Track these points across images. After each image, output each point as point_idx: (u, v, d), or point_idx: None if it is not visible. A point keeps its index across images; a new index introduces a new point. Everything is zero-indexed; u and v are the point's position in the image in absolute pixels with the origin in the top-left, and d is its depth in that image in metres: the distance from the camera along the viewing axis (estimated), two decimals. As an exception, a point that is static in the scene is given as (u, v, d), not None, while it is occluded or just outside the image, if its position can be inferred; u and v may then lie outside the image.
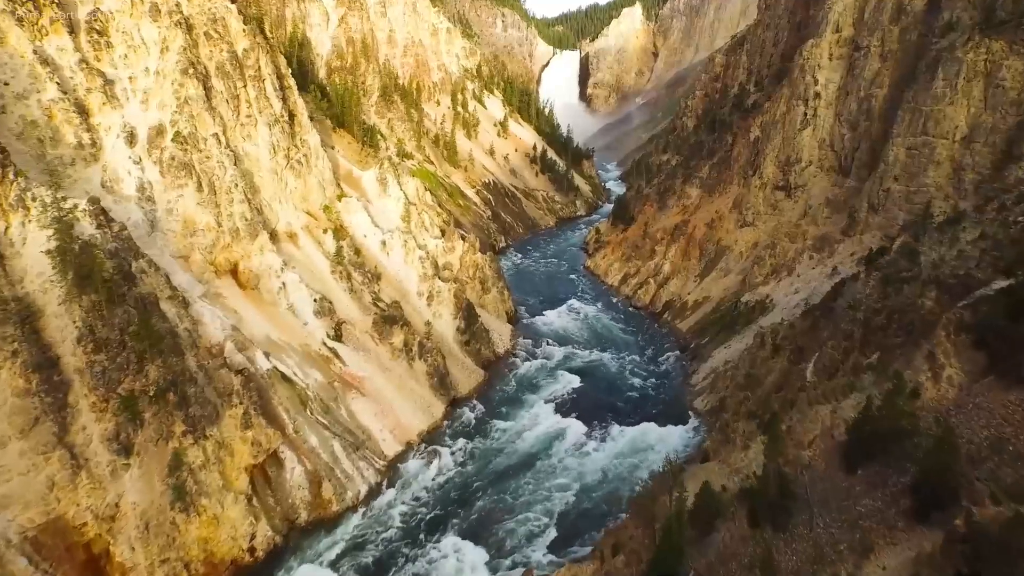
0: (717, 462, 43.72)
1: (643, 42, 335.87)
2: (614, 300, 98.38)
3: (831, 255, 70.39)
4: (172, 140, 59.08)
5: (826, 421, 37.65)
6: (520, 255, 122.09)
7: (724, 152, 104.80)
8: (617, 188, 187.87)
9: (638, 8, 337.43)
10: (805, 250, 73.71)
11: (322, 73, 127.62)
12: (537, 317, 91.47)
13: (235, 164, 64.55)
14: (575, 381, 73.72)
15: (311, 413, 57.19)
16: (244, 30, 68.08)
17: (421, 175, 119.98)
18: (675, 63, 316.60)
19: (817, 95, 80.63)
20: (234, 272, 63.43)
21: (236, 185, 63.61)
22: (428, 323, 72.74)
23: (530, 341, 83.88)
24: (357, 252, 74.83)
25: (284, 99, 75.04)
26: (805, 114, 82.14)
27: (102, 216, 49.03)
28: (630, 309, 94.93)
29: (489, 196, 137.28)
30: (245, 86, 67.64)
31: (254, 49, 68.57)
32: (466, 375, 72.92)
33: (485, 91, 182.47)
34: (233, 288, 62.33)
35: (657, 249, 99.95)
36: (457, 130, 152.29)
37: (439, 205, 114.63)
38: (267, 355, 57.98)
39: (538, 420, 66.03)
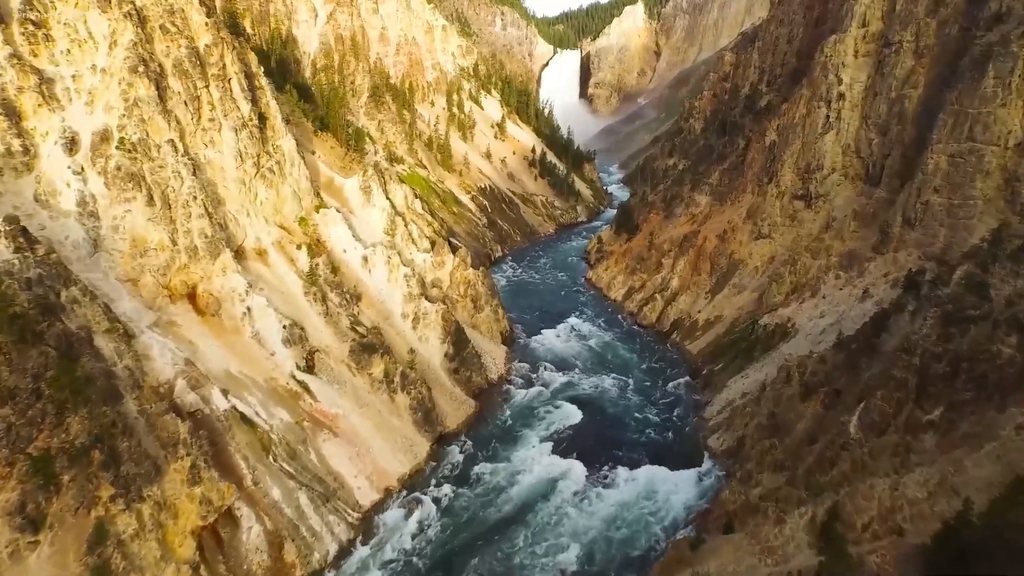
0: (745, 535, 36.58)
1: (645, 41, 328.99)
2: (618, 317, 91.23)
3: (861, 275, 63.22)
4: (118, 147, 51.98)
5: (885, 500, 30.56)
6: (517, 266, 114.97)
7: (736, 157, 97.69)
8: (619, 192, 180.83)
9: (640, 6, 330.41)
10: (830, 268, 66.56)
11: (308, 73, 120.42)
12: (534, 337, 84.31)
13: (194, 174, 57.44)
14: (575, 413, 66.62)
15: (274, 460, 50.09)
16: (207, 23, 60.95)
17: (412, 181, 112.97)
18: (678, 62, 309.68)
19: (841, 96, 73.49)
20: (192, 296, 56.33)
21: (195, 197, 56.51)
22: (412, 351, 65.64)
23: (526, 365, 76.77)
24: (334, 270, 67.68)
25: (255, 100, 67.92)
26: (827, 117, 75.00)
27: (22, 238, 41.96)
28: (635, 327, 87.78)
29: (485, 202, 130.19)
30: (207, 86, 60.51)
31: (218, 45, 61.42)
32: (455, 407, 65.83)
33: (482, 91, 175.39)
34: (190, 315, 55.22)
35: (664, 262, 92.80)
36: (452, 132, 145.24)
37: (431, 213, 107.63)
38: (225, 393, 50.87)
39: (534, 461, 58.91)
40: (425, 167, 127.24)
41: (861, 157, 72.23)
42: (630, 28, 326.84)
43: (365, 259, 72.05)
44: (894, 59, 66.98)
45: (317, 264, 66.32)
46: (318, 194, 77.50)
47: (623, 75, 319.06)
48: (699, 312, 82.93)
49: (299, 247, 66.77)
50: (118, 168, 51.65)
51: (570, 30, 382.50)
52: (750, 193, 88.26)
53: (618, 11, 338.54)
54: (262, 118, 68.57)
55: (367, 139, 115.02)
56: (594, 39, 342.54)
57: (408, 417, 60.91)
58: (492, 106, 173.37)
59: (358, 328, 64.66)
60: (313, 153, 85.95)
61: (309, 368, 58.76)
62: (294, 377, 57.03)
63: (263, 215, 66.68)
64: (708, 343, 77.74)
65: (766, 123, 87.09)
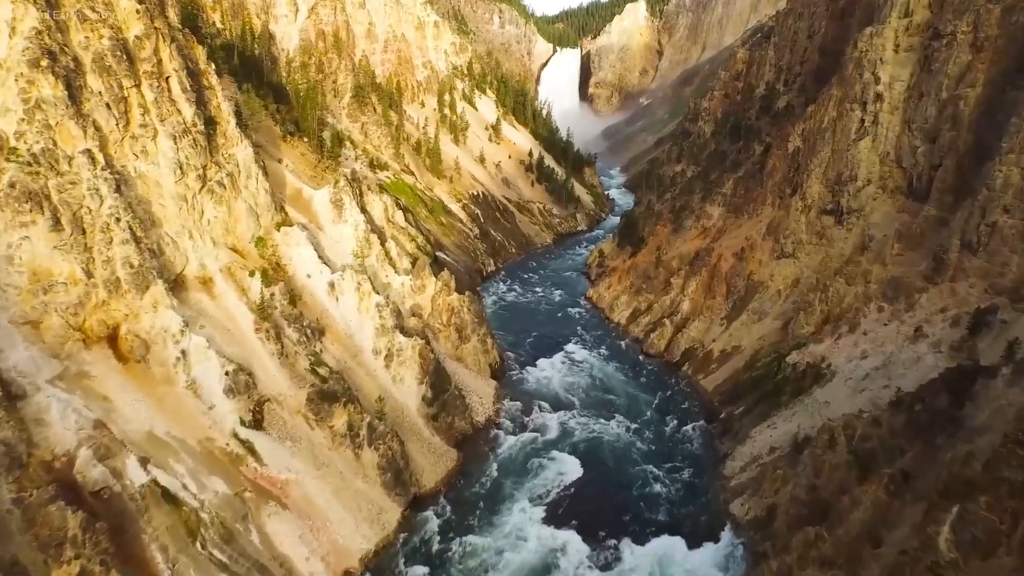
0: None
1: (647, 39, 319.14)
2: (621, 344, 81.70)
3: (910, 308, 53.76)
4: (12, 158, 42.50)
5: None
6: (511, 282, 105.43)
7: (752, 164, 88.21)
8: (621, 198, 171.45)
9: (642, 3, 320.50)
10: (871, 298, 57.09)
11: (287, 72, 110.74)
12: (528, 369, 74.79)
13: (118, 191, 47.98)
14: (573, 467, 57.21)
15: (202, 547, 40.63)
16: (138, 11, 51.38)
17: (396, 189, 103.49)
18: (681, 61, 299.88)
19: (878, 97, 64.04)
20: (113, 339, 46.87)
21: (117, 219, 47.03)
22: (381, 398, 56.06)
23: (518, 404, 67.31)
24: (294, 300, 58.17)
25: (201, 102, 58.47)
26: (862, 121, 65.56)
27: None
28: (641, 357, 78.28)
29: (477, 211, 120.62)
30: (138, 85, 50.96)
31: (151, 36, 51.89)
32: (433, 461, 56.34)
33: (476, 91, 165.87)
34: (108, 363, 45.73)
35: (673, 282, 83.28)
36: (443, 135, 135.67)
37: (416, 225, 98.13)
38: (145, 462, 41.47)
39: (525, 533, 49.47)
40: (412, 173, 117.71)
41: (903, 167, 62.76)
42: (631, 26, 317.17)
43: (332, 285, 62.57)
44: (946, 53, 57.49)
45: (273, 294, 56.84)
46: (281, 209, 68.01)
47: (624, 74, 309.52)
48: (714, 341, 73.48)
49: (252, 273, 57.24)
50: (12, 185, 42.10)
51: (570, 28, 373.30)
52: (770, 206, 78.79)
53: (619, 9, 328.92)
54: (211, 123, 59.05)
55: (348, 144, 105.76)
56: (595, 37, 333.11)
57: (376, 478, 51.42)
58: (487, 107, 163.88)
59: (319, 370, 55.15)
60: (279, 161, 76.49)
61: (256, 423, 49.27)
62: (236, 436, 47.52)
63: (210, 236, 57.17)
64: (725, 379, 68.29)
65: (788, 127, 77.58)
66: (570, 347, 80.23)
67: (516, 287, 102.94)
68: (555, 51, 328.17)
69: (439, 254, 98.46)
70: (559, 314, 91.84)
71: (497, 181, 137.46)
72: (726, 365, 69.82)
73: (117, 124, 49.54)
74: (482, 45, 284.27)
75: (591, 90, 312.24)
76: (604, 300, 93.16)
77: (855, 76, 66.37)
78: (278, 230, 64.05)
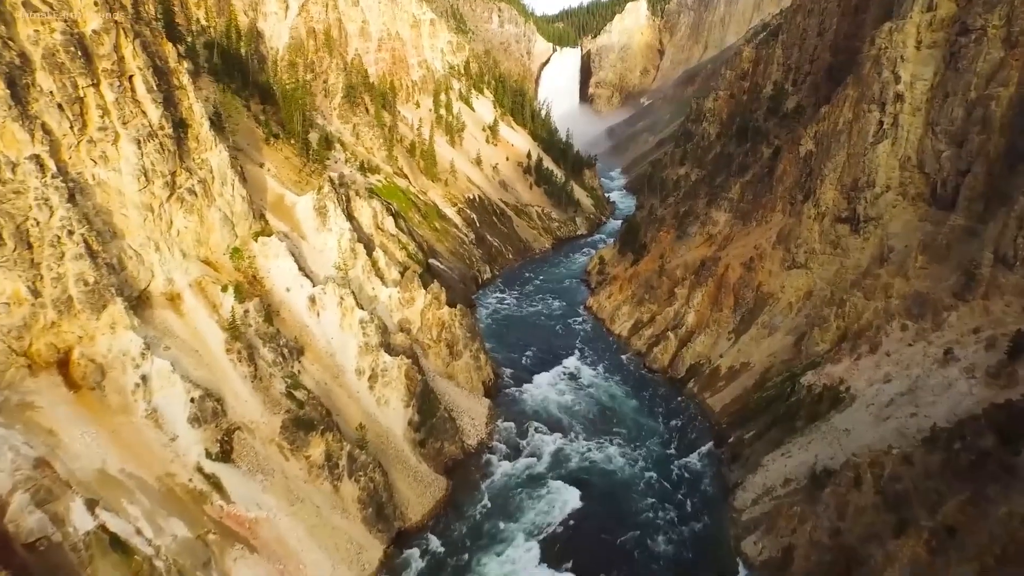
0: None
1: (648, 38, 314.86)
2: (623, 359, 77.41)
3: (938, 327, 49.45)
4: (-53, 169, 38.31)
5: None
6: (508, 290, 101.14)
7: (760, 168, 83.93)
8: (622, 200, 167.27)
9: (643, 2, 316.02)
10: (893, 315, 52.75)
11: (277, 72, 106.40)
12: (525, 386, 70.49)
13: (72, 200, 43.76)
14: (571, 497, 52.96)
15: (155, 601, 36.37)
16: (96, 3, 47.11)
17: (388, 193, 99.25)
18: (682, 61, 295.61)
19: (898, 97, 59.73)
20: (64, 365, 42.63)
21: (70, 232, 42.79)
22: (362, 426, 51.76)
23: (513, 425, 63.08)
24: (270, 317, 53.87)
25: (173, 103, 54.31)
26: (880, 123, 61.26)
27: None
28: (643, 372, 73.99)
29: (473, 215, 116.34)
30: (96, 85, 46.74)
31: (111, 31, 47.61)
32: (419, 491, 52.06)
33: (473, 91, 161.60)
34: (57, 391, 41.48)
35: (677, 292, 78.99)
36: (438, 136, 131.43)
37: (408, 231, 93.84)
38: (92, 505, 37.16)
39: (519, 573, 45.19)
40: (406, 176, 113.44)
41: (925, 173, 58.46)
42: (632, 25, 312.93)
43: (313, 300, 58.28)
44: (975, 50, 53.20)
45: (247, 311, 52.56)
46: (261, 217, 63.76)
47: (625, 74, 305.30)
48: (721, 357, 69.18)
49: (226, 288, 52.96)
50: (-55, 197, 37.95)
51: (570, 27, 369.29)
52: (780, 212, 74.49)
53: (620, 7, 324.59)
54: (182, 126, 54.87)
55: (338, 146, 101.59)
56: (595, 37, 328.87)
57: (356, 513, 47.17)
58: (484, 107, 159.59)
59: (296, 394, 50.87)
60: (261, 166, 72.26)
61: (224, 454, 45.00)
62: (201, 470, 43.26)
63: (180, 248, 52.93)
64: (734, 398, 64.01)
65: (799, 130, 73.21)
66: (569, 361, 75.96)
67: (513, 295, 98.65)
68: (555, 50, 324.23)
69: (432, 261, 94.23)
70: (557, 325, 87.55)
71: (494, 184, 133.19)
72: (734, 383, 65.54)
73: (72, 127, 45.26)
74: (481, 44, 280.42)
75: (591, 90, 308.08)
76: (604, 310, 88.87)
77: (873, 75, 62.08)
78: (256, 240, 59.79)
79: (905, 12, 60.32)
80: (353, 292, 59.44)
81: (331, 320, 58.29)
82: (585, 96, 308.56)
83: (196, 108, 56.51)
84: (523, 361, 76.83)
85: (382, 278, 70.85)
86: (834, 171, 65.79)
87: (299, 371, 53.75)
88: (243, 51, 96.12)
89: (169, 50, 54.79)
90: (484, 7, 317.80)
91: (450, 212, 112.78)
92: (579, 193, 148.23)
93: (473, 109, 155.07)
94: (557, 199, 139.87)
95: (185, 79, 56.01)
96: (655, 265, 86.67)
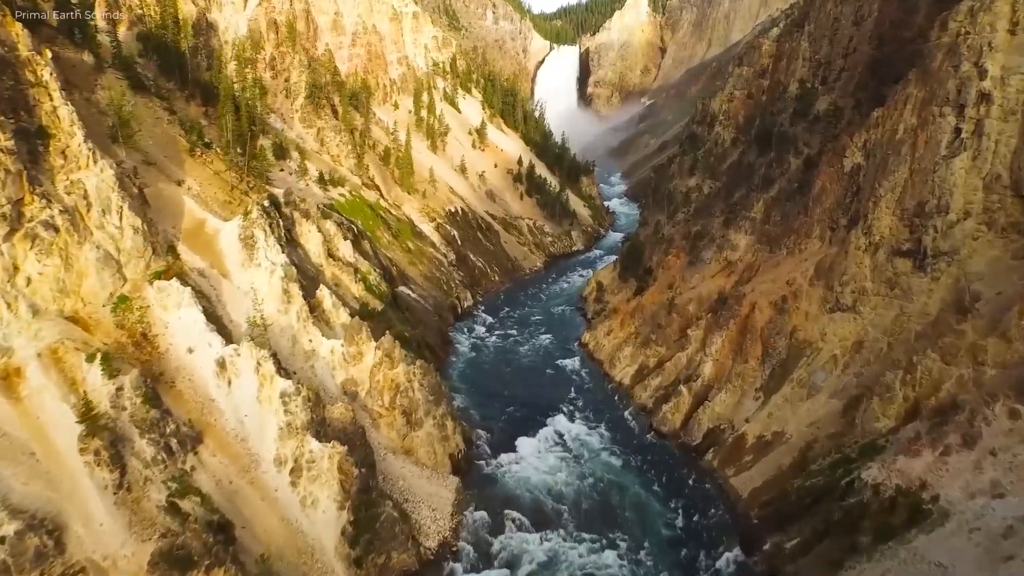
0: None
1: (649, 36, 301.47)
2: (625, 416, 63.91)
3: (1065, 418, 35.96)
4: None
5: None
6: (491, 321, 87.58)
7: (788, 182, 70.40)
8: (623, 208, 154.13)
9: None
10: (995, 393, 39.13)
11: (231, 69, 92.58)
12: (503, 457, 56.81)
13: None
14: (559, 637, 39.40)
15: None
16: None
17: (351, 209, 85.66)
18: (685, 59, 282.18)
19: (984, 97, 46.22)
20: None
21: None
22: (264, 559, 38.01)
23: (484, 515, 49.49)
24: (153, 396, 40.12)
25: (26, 107, 40.87)
26: (958, 130, 47.73)
27: None
28: (650, 436, 60.44)
29: (454, 232, 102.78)
30: None
31: (-92, 10, 34.11)
32: (351, 635, 38.52)
33: (460, 90, 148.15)
34: None
35: (691, 334, 65.46)
36: (417, 141, 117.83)
37: (375, 254, 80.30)
38: None
39: None
40: (377, 188, 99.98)
41: (1022, 196, 44.90)
42: (632, 22, 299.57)
43: (222, 364, 44.67)
44: (1100, 37, 39.73)
45: (121, 387, 38.88)
46: (170, 251, 50.25)
47: (625, 73, 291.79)
48: (747, 422, 55.62)
49: (92, 357, 39.28)
50: None
51: (568, 25, 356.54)
52: (818, 240, 60.93)
53: (620, 4, 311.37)
54: (40, 136, 41.39)
55: (295, 154, 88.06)
56: (594, 34, 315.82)
57: None
58: (471, 108, 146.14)
59: (182, 504, 37.26)
60: (179, 183, 58.67)
61: (54, 614, 31.41)
62: (8, 647, 29.71)
63: (28, 303, 39.37)
64: (766, 481, 50.45)
65: (843, 137, 59.50)
66: (559, 420, 62.44)
67: (496, 328, 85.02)
68: (552, 49, 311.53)
69: (402, 289, 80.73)
70: (547, 369, 73.95)
71: (480, 194, 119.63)
72: (766, 460, 51.95)
73: None
74: (475, 42, 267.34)
75: (590, 90, 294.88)
76: (603, 350, 75.33)
77: (946, 69, 48.49)
78: (152, 284, 46.18)
79: (989, -11, 46.73)
80: (275, 354, 45.70)
81: (246, 392, 44.65)
82: (583, 96, 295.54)
83: (64, 113, 42.99)
84: (503, 418, 63.27)
85: (328, 323, 57.39)
86: (892, 191, 52.19)
87: (192, 468, 40.10)
88: (182, 45, 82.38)
89: (18, 34, 41.20)
90: (478, 3, 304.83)
91: (427, 228, 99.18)
92: (575, 203, 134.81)
93: (459, 110, 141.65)
94: (551, 210, 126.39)
95: (47, 74, 42.44)
96: (663, 297, 73.12)
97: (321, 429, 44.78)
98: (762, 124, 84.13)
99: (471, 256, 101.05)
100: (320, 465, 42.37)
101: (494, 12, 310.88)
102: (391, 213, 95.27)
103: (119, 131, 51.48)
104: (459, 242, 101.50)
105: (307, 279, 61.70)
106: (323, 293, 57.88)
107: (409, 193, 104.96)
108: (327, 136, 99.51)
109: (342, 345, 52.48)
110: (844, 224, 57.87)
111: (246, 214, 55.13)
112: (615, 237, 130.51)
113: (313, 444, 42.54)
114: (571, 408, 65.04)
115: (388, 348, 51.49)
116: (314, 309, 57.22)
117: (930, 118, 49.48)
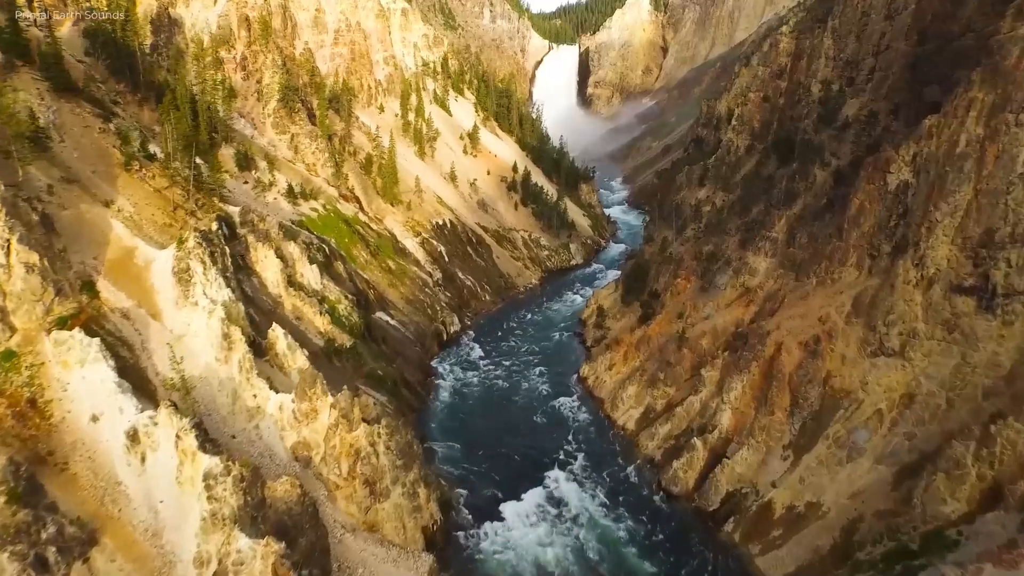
0: None
1: (650, 35, 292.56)
2: (629, 471, 55.22)
3: None
4: None
5: None
6: (479, 349, 78.85)
7: (815, 198, 61.74)
8: (624, 216, 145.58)
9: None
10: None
11: (178, 68, 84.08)
12: (487, 527, 48.14)
13: None
14: None
15: None
16: None
17: (324, 225, 77.12)
18: (687, 59, 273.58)
19: (1069, 106, 37.60)
20: None
21: None
22: None
23: (463, 608, 40.92)
24: (23, 493, 31.33)
25: None
26: (1035, 145, 39.09)
27: None
28: (658, 498, 51.75)
29: (441, 247, 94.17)
30: None
31: None
32: None
33: (452, 91, 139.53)
34: None
35: (704, 374, 56.84)
36: (403, 147, 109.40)
37: (350, 277, 71.78)
38: None
39: None
40: (357, 199, 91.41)
41: (1122, 229, 36.38)
42: (633, 21, 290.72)
43: (133, 436, 36.04)
44: None
45: (-13, 478, 30.25)
46: (86, 287, 41.85)
47: (626, 73, 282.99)
48: (773, 487, 47.05)
49: (-47, 438, 30.66)
50: None
51: (568, 24, 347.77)
52: (855, 268, 52.26)
53: (620, 3, 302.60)
54: None
55: (262, 164, 79.53)
56: (594, 33, 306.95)
57: None
58: (463, 111, 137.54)
59: (57, 636, 28.62)
60: (107, 204, 49.99)
61: None
62: None
63: None
64: (800, 565, 41.94)
65: (887, 150, 50.70)
66: (553, 477, 53.80)
67: (484, 360, 76.33)
68: (551, 48, 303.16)
69: (379, 315, 72.24)
70: (540, 409, 65.31)
71: (471, 205, 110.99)
72: (799, 537, 43.38)
73: None
74: (471, 41, 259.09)
75: (590, 90, 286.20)
76: (603, 386, 66.75)
77: (1023, 69, 39.86)
78: (50, 336, 37.59)
79: (1076, -29, 38.16)
80: (199, 424, 36.91)
81: (163, 471, 36.01)
82: (583, 97, 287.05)
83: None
84: (488, 475, 54.59)
85: (282, 368, 48.90)
86: (951, 215, 43.61)
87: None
88: (134, 43, 73.78)
89: None
90: (475, 1, 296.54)
91: (411, 244, 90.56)
92: (574, 212, 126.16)
93: (450, 113, 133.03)
94: (547, 221, 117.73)
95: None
96: (672, 328, 64.50)
97: (259, 514, 36.15)
98: (781, 130, 75.59)
99: (459, 274, 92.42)
100: (251, 567, 33.71)
101: (491, 11, 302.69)
102: (371, 228, 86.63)
103: (17, 144, 42.72)
104: (446, 258, 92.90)
105: (261, 314, 53.31)
106: (276, 333, 49.25)
107: (392, 205, 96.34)
108: (302, 143, 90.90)
109: (293, 401, 43.84)
110: (888, 252, 49.23)
111: (180, 243, 46.51)
112: (617, 249, 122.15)
113: (242, 541, 33.83)
114: (567, 460, 56.39)
115: (345, 408, 42.77)
116: (267, 352, 48.82)
117: (1002, 128, 40.87)
